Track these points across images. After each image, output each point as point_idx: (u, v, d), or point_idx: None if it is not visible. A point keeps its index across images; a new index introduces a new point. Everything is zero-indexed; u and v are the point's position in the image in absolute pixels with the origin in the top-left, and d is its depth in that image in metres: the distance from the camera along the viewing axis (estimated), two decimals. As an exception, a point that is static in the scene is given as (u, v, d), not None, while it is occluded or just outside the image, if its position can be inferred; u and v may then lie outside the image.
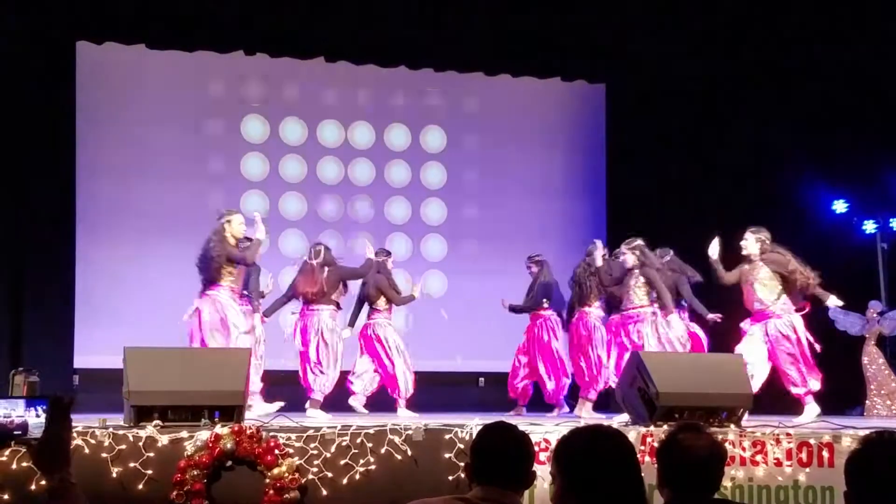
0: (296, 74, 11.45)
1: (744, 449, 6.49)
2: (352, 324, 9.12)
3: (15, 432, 2.47)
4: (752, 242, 8.35)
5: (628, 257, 8.78)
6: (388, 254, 9.42)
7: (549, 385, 9.41)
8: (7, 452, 5.41)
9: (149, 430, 5.91)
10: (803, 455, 6.52)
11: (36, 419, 2.47)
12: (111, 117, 10.92)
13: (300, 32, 10.90)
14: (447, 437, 6.21)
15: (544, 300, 9.51)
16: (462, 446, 6.08)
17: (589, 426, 2.77)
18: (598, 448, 2.61)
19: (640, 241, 8.83)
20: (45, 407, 2.44)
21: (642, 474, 2.65)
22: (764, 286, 8.30)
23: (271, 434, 6.03)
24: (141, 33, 10.61)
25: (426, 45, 11.32)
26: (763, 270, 8.32)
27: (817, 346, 8.31)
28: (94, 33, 10.58)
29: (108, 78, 10.92)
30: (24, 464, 5.39)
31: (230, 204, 11.14)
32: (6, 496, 5.47)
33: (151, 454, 5.84)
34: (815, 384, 8.22)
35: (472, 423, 6.32)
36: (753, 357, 8.06)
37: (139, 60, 10.92)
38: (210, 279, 8.07)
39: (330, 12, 10.68)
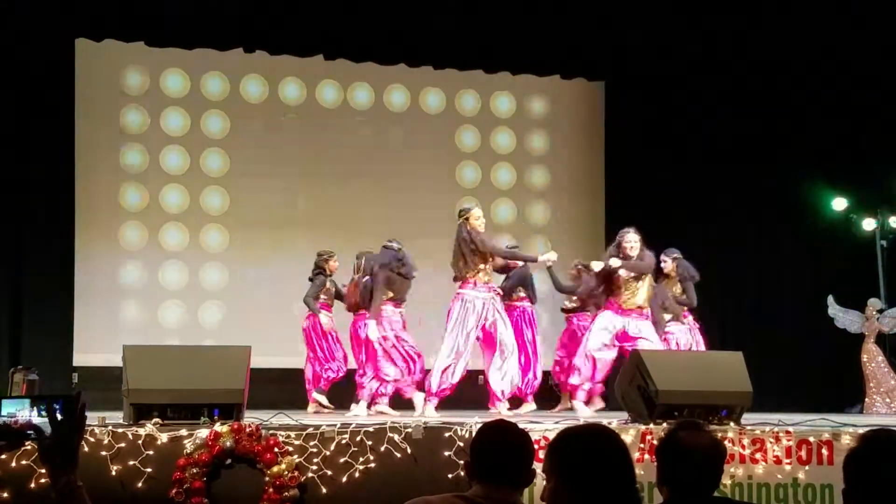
0: (294, 72, 11.43)
1: (743, 447, 6.49)
2: None
3: (28, 432, 2.45)
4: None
5: None
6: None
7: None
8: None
9: (148, 428, 5.91)
10: (803, 453, 6.52)
11: (40, 419, 2.45)
12: (110, 115, 10.92)
13: (299, 30, 10.88)
14: (447, 435, 6.20)
15: (520, 289, 9.52)
16: (462, 444, 6.08)
17: (582, 425, 2.77)
18: (591, 447, 2.61)
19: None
20: (57, 406, 2.42)
21: (637, 473, 2.65)
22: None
23: (271, 432, 6.03)
24: (140, 31, 10.60)
25: (425, 43, 11.31)
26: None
27: None
28: (94, 31, 10.58)
29: (107, 75, 10.92)
30: (24, 462, 5.39)
31: (228, 201, 11.18)
32: (6, 494, 5.46)
33: (151, 452, 5.84)
34: None
35: (471, 422, 6.32)
36: None
37: (138, 58, 10.91)
38: (459, 277, 8.28)
39: (329, 10, 10.67)
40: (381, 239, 8.69)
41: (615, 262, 8.48)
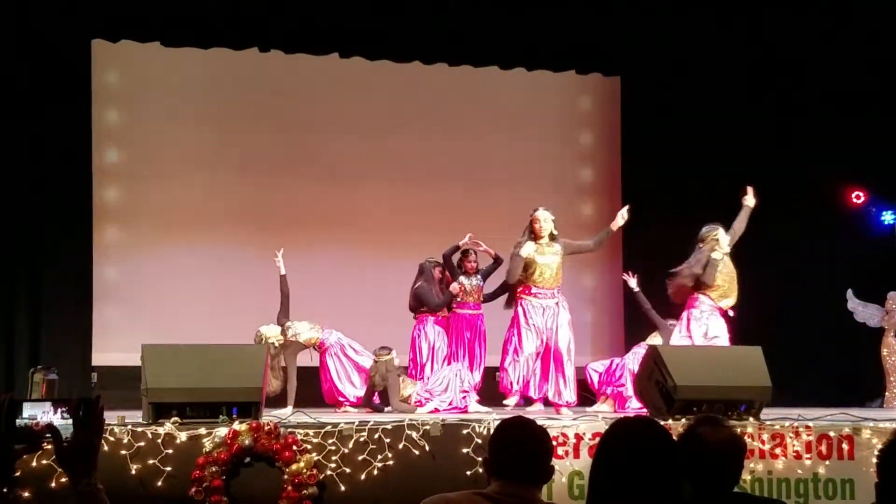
0: (310, 70, 11.43)
1: (763, 442, 6.47)
2: None
3: (46, 435, 2.46)
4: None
5: None
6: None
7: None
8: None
9: (167, 426, 5.94)
10: (823, 448, 6.50)
11: (62, 422, 2.46)
12: (127, 115, 10.94)
13: (315, 29, 10.89)
14: (465, 432, 6.21)
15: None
16: (480, 441, 6.09)
17: (636, 418, 2.80)
18: (641, 437, 2.62)
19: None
20: (76, 410, 2.44)
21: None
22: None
23: (289, 430, 6.05)
24: (156, 31, 10.63)
25: (440, 40, 11.29)
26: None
27: None
28: (110, 31, 10.61)
29: (123, 75, 10.95)
30: (45, 461, 5.42)
31: (246, 200, 11.19)
32: (27, 494, 5.49)
33: (170, 451, 5.87)
34: None
35: (489, 418, 6.33)
36: None
37: (154, 58, 10.94)
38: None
39: (344, 9, 10.67)
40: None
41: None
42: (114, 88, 10.89)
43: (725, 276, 8.55)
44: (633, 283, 9.61)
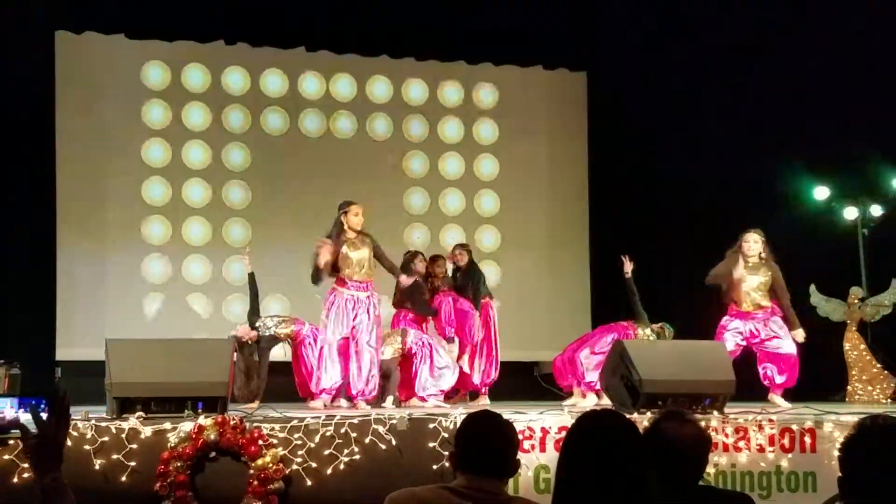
0: (276, 64, 11.38)
1: (727, 435, 6.52)
2: None
3: (13, 430, 2.44)
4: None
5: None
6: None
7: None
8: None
9: (132, 421, 5.89)
10: (786, 441, 6.56)
11: (27, 416, 2.45)
12: (91, 107, 10.84)
13: (281, 22, 10.85)
14: (431, 426, 6.21)
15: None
16: (446, 435, 6.09)
17: (602, 411, 2.80)
18: (610, 432, 2.62)
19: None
20: (41, 405, 2.42)
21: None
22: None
23: (255, 425, 6.02)
24: (120, 23, 10.55)
25: (407, 35, 11.28)
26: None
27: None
28: (74, 23, 10.51)
29: (87, 68, 10.84)
30: (7, 456, 5.37)
31: (212, 196, 11.12)
32: None
33: (134, 446, 5.82)
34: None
35: (456, 413, 6.33)
36: None
37: (119, 50, 10.84)
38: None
39: (311, 2, 10.64)
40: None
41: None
42: (78, 80, 10.78)
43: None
44: (627, 267, 9.42)
